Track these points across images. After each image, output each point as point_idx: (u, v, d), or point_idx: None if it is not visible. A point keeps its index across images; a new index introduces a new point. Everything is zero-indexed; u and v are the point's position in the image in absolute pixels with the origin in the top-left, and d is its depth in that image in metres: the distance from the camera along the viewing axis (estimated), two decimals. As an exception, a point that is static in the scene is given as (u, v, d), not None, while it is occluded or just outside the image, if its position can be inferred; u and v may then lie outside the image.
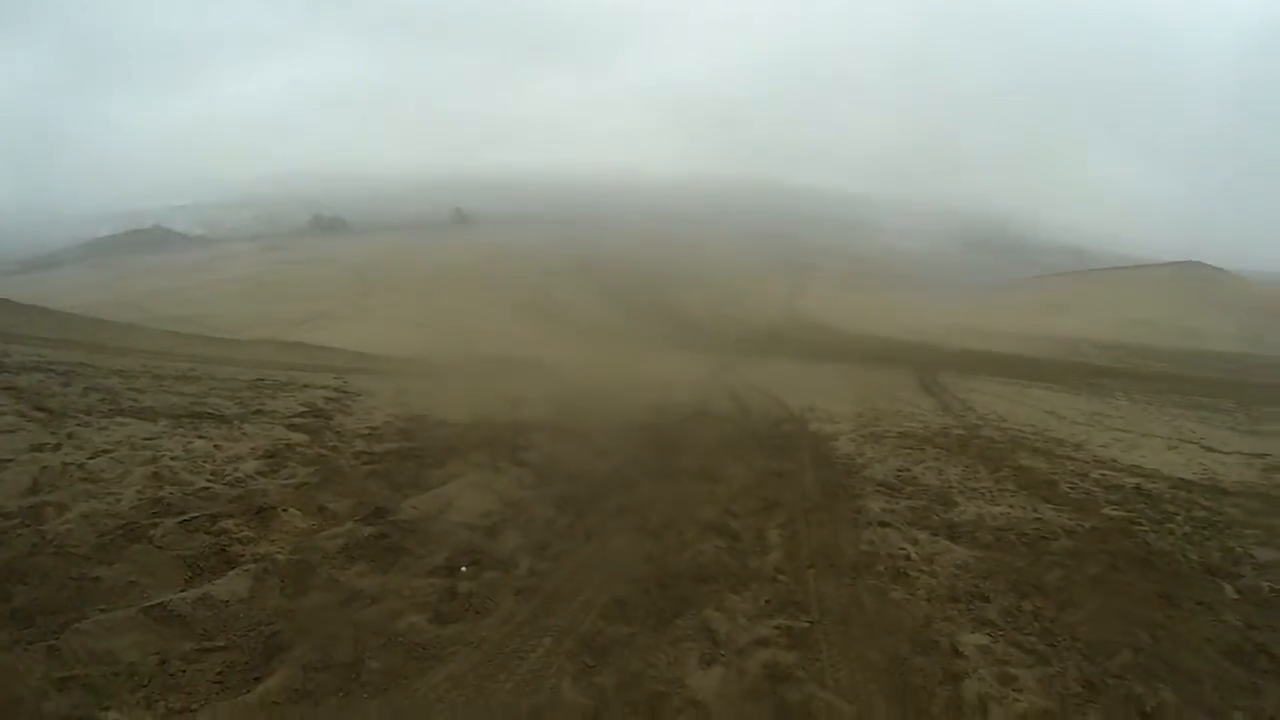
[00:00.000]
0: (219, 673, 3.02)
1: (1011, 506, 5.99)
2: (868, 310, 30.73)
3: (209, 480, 4.81)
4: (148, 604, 3.34)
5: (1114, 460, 7.91)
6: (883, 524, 5.36)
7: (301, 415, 6.72)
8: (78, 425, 5.10)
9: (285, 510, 4.56)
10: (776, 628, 3.77)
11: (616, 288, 30.57)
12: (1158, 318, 29.76)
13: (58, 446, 4.68)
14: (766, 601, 4.05)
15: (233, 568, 3.81)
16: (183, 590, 3.56)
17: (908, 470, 6.95)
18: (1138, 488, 6.74)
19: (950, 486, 6.48)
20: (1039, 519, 5.69)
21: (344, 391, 8.07)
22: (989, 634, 3.83)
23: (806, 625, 3.82)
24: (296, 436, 6.07)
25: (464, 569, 4.18)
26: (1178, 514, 5.97)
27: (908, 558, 4.79)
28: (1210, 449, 8.71)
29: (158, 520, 4.10)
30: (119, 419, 5.47)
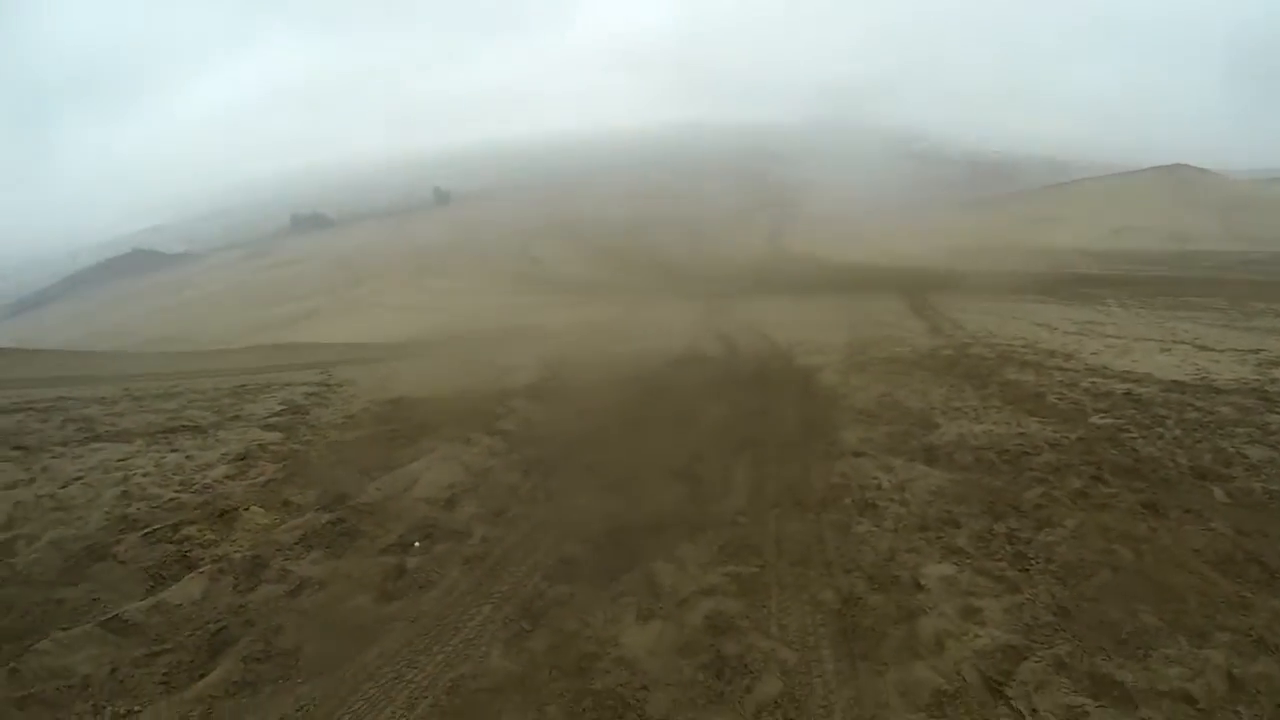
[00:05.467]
0: (164, 674, 3.32)
1: (995, 424, 5.93)
2: (853, 239, 31.60)
3: (177, 491, 5.16)
4: (105, 618, 3.68)
5: (1105, 367, 7.85)
6: (857, 454, 5.37)
7: (278, 415, 7.08)
8: (52, 458, 5.54)
9: (247, 509, 4.87)
10: (726, 575, 3.81)
11: (600, 245, 31.64)
12: (1145, 223, 30.55)
13: (31, 481, 5.11)
14: (720, 548, 4.09)
15: (191, 571, 4.15)
16: (141, 600, 3.91)
17: (890, 395, 6.98)
18: (1128, 393, 6.62)
19: (933, 408, 6.49)
20: (1022, 434, 5.61)
21: (326, 385, 8.43)
22: (956, 563, 3.78)
23: (757, 569, 3.85)
24: (270, 436, 6.42)
25: (416, 544, 4.40)
26: (1168, 417, 5.85)
27: (879, 487, 4.78)
28: (1204, 348, 8.62)
29: (122, 536, 4.46)
30: (94, 445, 5.91)
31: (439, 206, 59.92)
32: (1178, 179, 38.59)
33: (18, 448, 5.69)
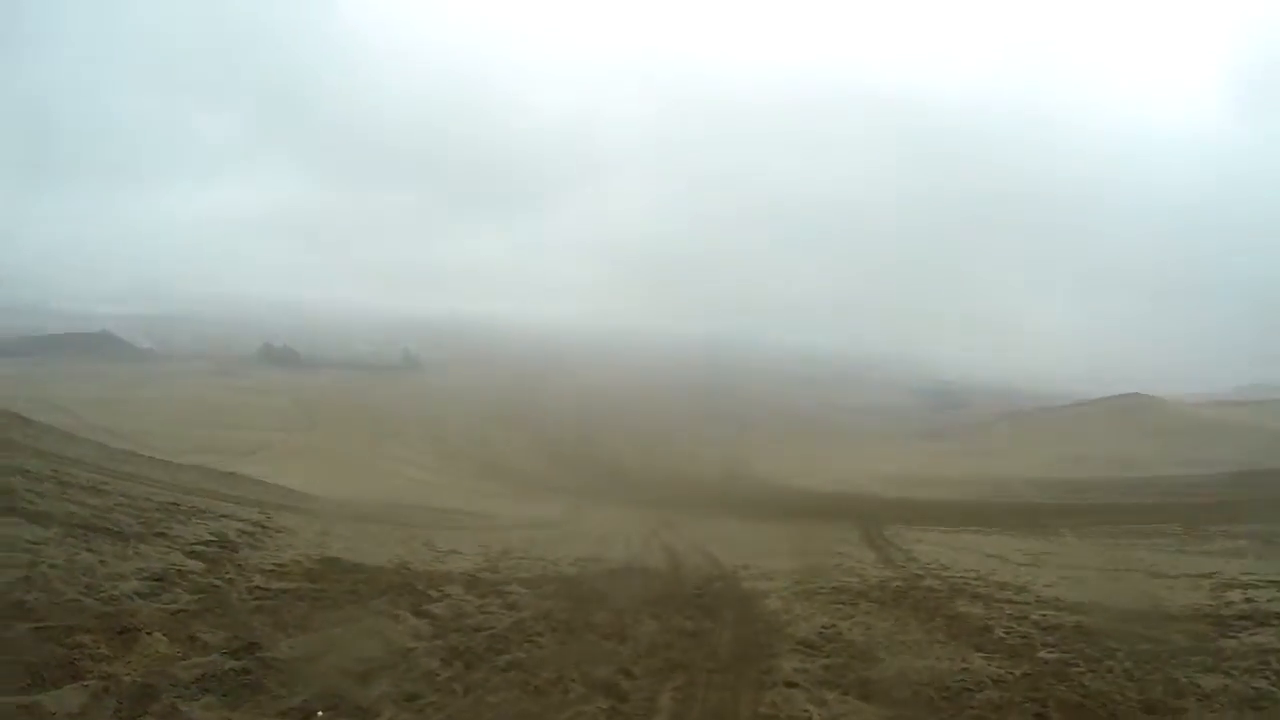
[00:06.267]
0: (17, 785, 3.02)
1: (939, 659, 5.92)
2: (807, 464, 33.39)
3: (81, 593, 4.89)
4: (-31, 705, 3.39)
5: (1056, 599, 7.95)
6: (790, 684, 5.30)
7: (206, 544, 6.84)
8: (-38, 520, 5.30)
9: (150, 633, 4.60)
10: (632, 801, 3.71)
11: (556, 442, 32.70)
12: (1098, 452, 32.64)
13: (-67, 538, 4.86)
14: (633, 770, 4.00)
15: (75, 681, 3.85)
16: (14, 696, 3.59)
17: (833, 626, 6.98)
18: (1078, 626, 6.69)
19: (876, 641, 6.48)
20: (966, 669, 5.60)
21: (263, 526, 8.19)
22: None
23: (665, 798, 3.76)
24: (192, 563, 6.17)
25: (320, 714, 4.17)
26: (1119, 649, 5.88)
27: (808, 722, 4.68)
28: (1157, 575, 8.78)
29: (12, 623, 4.19)
30: (8, 518, 5.66)
31: (407, 370, 62.09)
32: (1130, 407, 40.69)
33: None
